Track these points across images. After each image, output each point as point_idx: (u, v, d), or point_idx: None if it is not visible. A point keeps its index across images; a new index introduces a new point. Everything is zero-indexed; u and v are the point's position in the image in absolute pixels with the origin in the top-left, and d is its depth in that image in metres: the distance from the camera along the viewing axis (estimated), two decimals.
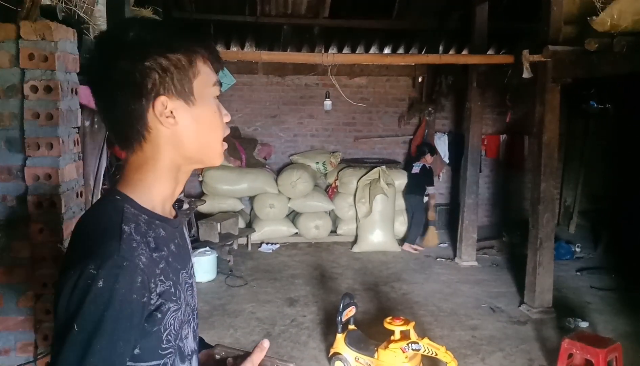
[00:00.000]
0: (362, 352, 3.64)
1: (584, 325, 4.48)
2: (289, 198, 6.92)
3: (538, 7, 4.85)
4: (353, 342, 3.71)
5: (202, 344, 1.25)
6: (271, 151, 7.53)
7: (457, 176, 7.29)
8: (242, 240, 6.73)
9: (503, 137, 7.73)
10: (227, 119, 1.05)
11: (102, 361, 0.85)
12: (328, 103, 7.10)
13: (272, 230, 6.88)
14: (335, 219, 7.15)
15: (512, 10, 6.67)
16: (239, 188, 6.86)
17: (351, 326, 3.84)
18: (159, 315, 0.93)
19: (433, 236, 7.01)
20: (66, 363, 0.85)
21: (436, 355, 3.39)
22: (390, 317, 3.64)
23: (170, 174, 1.02)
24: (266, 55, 4.99)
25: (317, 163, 7.26)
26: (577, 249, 6.56)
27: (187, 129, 0.99)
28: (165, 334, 0.96)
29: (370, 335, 3.87)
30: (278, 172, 7.19)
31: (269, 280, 5.64)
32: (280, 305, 4.98)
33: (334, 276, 5.80)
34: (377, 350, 3.57)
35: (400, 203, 6.92)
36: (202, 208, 6.71)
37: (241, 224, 6.84)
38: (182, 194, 6.69)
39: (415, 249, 6.70)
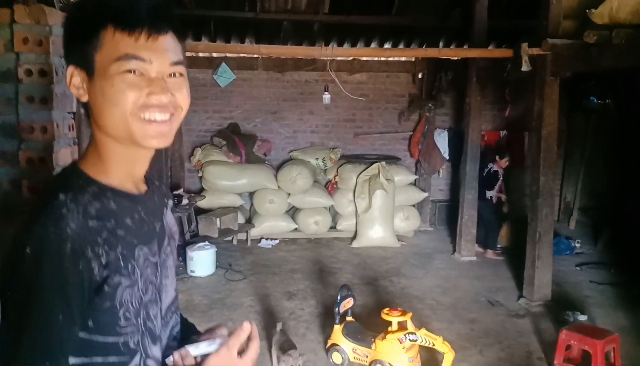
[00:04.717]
0: (359, 343, 3.64)
1: (582, 318, 4.46)
2: (289, 194, 6.92)
3: (538, 4, 4.84)
4: (351, 333, 3.71)
5: (191, 330, 1.24)
6: (271, 147, 7.53)
7: (457, 172, 7.28)
8: (242, 235, 6.73)
9: (503, 133, 7.72)
10: (150, 98, 0.96)
11: (38, 329, 0.86)
12: (327, 97, 7.07)
13: (271, 226, 6.88)
14: (334, 215, 7.15)
15: (512, 8, 6.66)
16: (239, 184, 6.86)
17: (349, 318, 3.84)
18: (108, 289, 0.92)
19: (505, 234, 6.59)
20: (6, 330, 0.87)
21: (433, 345, 3.39)
22: (387, 308, 3.64)
23: (113, 149, 1.00)
24: (265, 49, 4.99)
25: (317, 159, 7.26)
26: (577, 245, 6.55)
27: (94, 102, 0.97)
28: (121, 311, 0.95)
29: (369, 328, 3.87)
30: (278, 168, 7.19)
31: (268, 275, 5.64)
32: (279, 298, 4.98)
33: (333, 271, 5.80)
34: (374, 341, 3.57)
35: (399, 198, 6.90)
36: (202, 203, 6.71)
37: (241, 220, 6.84)
38: (182, 190, 6.71)
39: (496, 255, 6.34)
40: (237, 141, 7.09)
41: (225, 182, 6.84)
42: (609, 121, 7.38)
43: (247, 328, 1.07)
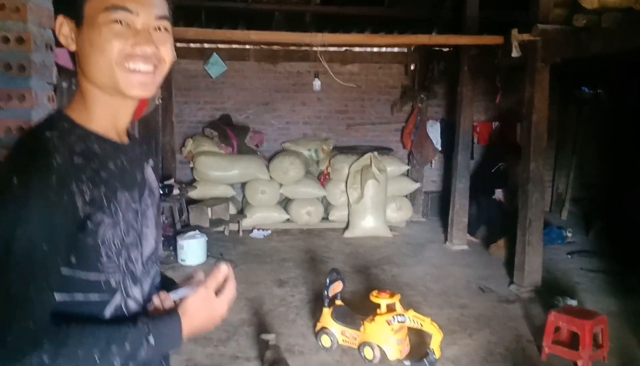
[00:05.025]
0: (348, 326, 3.63)
1: (572, 303, 4.45)
2: (281, 184, 6.90)
3: None
4: (340, 317, 3.70)
5: (171, 282, 1.26)
6: (263, 139, 7.50)
7: (449, 163, 7.27)
8: (234, 226, 6.71)
9: (495, 124, 7.72)
10: (135, 48, 1.00)
11: (23, 256, 0.89)
12: (317, 83, 7.03)
13: (263, 216, 6.85)
14: (327, 206, 7.13)
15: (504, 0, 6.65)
16: (231, 174, 6.83)
17: (338, 302, 3.82)
18: (91, 226, 0.95)
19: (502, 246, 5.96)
20: None
21: (422, 326, 3.38)
22: (376, 290, 3.63)
23: (98, 98, 1.04)
24: (255, 35, 4.97)
25: (310, 150, 7.23)
26: (569, 234, 6.55)
27: (82, 51, 1.01)
28: (104, 249, 0.98)
29: (358, 312, 3.85)
30: (270, 159, 7.16)
31: (259, 264, 5.62)
32: (270, 286, 4.96)
33: (325, 260, 5.78)
34: (363, 324, 3.55)
35: (392, 189, 6.89)
36: (193, 194, 6.68)
37: (233, 210, 6.82)
38: (173, 180, 6.67)
39: (476, 239, 6.37)
40: (229, 132, 7.06)
41: (217, 173, 6.81)
42: (601, 111, 7.39)
43: (224, 269, 1.11)
